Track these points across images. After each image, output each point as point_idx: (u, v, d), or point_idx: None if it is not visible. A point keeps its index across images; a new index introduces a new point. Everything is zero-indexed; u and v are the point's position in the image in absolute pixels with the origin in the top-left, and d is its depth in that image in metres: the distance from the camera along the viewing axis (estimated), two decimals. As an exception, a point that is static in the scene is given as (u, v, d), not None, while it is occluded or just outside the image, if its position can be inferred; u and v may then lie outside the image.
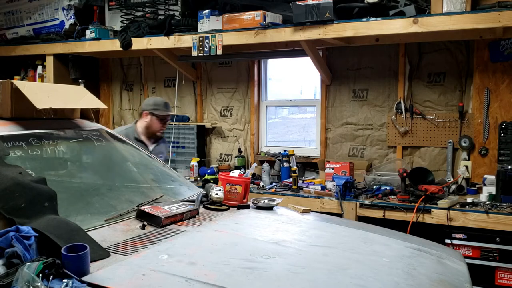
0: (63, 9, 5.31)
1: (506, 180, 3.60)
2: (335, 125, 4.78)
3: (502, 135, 3.99)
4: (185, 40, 4.56)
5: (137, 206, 2.27)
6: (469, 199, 3.68)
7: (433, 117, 4.32)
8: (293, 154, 4.38)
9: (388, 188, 4.08)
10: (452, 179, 4.14)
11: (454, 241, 3.58)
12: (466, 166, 4.13)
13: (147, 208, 2.22)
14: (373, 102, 4.59)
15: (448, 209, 3.56)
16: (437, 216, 3.60)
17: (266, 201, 2.81)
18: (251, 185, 4.22)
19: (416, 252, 2.21)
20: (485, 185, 3.78)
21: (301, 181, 4.51)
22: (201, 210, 2.49)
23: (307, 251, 2.06)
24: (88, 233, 1.87)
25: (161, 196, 2.49)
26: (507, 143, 3.96)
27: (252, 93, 5.15)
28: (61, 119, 2.63)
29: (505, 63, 4.00)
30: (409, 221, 3.63)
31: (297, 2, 3.93)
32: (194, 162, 4.95)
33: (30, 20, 5.57)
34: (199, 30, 4.49)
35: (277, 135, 5.35)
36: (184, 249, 1.90)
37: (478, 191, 3.95)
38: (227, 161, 5.33)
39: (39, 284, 1.38)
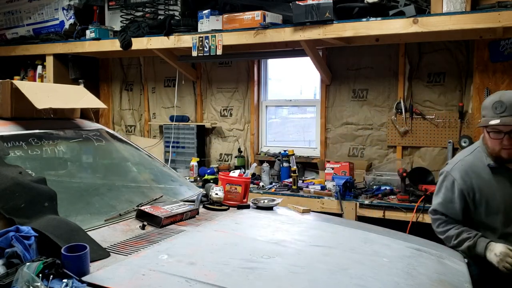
0: (63, 9, 5.31)
1: (506, 180, 3.60)
2: (335, 125, 4.78)
3: (502, 135, 3.99)
4: (185, 40, 4.56)
5: (137, 206, 2.27)
6: (469, 199, 3.67)
7: (433, 117, 4.32)
8: (293, 154, 4.39)
9: (388, 188, 4.07)
10: (452, 179, 4.13)
11: (454, 241, 3.58)
12: (466, 166, 4.12)
13: (147, 208, 2.22)
14: (373, 102, 4.59)
15: (448, 209, 3.56)
16: (437, 216, 3.59)
17: (266, 201, 2.81)
18: (251, 185, 4.22)
19: (416, 252, 2.21)
20: (485, 185, 3.78)
21: (301, 181, 4.51)
22: (201, 210, 2.49)
23: (307, 251, 2.06)
24: (88, 233, 1.87)
25: (161, 196, 2.49)
26: (507, 143, 3.96)
27: (252, 93, 5.15)
28: (61, 119, 2.63)
29: (505, 63, 4.00)
30: (409, 221, 3.63)
31: (297, 2, 3.92)
32: (194, 162, 4.95)
33: (30, 20, 5.57)
34: (199, 30, 4.49)
35: (277, 135, 5.35)
36: (184, 249, 1.90)
37: (478, 191, 3.94)
38: (227, 161, 5.33)
39: (39, 284, 1.37)
